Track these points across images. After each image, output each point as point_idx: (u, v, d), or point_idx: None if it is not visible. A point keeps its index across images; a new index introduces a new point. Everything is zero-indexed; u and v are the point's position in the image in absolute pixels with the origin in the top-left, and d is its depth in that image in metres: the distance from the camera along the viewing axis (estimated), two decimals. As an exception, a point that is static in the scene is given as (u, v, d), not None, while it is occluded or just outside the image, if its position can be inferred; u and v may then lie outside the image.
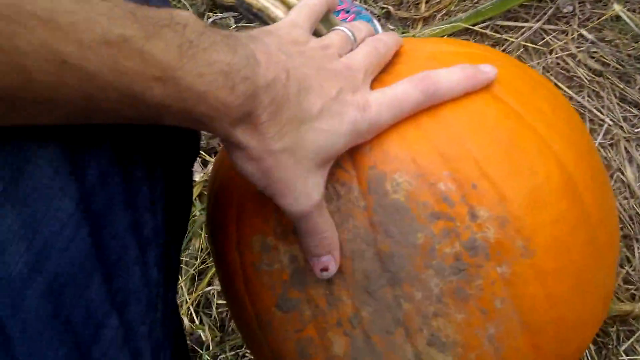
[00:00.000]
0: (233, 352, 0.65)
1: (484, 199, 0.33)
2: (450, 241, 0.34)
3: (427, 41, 0.47)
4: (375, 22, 0.99)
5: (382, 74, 0.38)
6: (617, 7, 0.70)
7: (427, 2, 0.98)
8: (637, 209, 0.60)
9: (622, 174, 0.64)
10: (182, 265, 0.73)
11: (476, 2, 0.90)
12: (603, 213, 0.38)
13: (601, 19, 0.76)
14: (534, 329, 0.35)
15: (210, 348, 0.65)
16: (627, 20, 0.67)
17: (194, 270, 0.72)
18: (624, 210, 0.61)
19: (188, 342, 0.67)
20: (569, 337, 0.37)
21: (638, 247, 0.58)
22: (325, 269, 0.34)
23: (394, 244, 0.34)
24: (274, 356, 0.41)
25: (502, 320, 0.34)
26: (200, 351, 0.65)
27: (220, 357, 0.64)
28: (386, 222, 0.34)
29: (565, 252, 0.35)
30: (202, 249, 0.74)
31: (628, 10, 0.76)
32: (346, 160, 0.35)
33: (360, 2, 1.05)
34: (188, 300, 0.69)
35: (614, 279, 0.42)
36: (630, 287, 0.56)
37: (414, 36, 0.90)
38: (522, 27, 0.81)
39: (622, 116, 0.68)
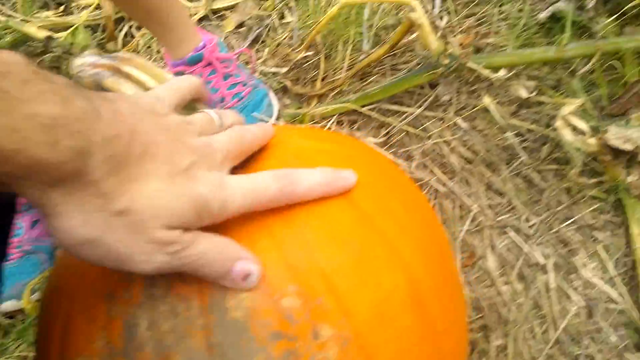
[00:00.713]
0: None
1: (328, 316, 0.32)
2: (290, 364, 0.32)
3: (299, 134, 0.46)
4: (272, 95, 1.00)
5: (247, 162, 0.37)
6: (486, 100, 0.75)
7: (322, 80, 1.01)
8: (496, 299, 0.63)
9: (485, 262, 0.67)
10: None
11: (366, 84, 0.94)
12: (450, 320, 0.38)
13: (474, 109, 0.81)
14: None
15: None
16: (494, 112, 0.72)
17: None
18: (484, 299, 0.63)
19: None
20: None
21: (495, 338, 0.60)
22: (248, 275, 0.32)
23: (230, 369, 0.32)
24: None
25: None
26: None
27: None
28: (224, 344, 0.31)
29: (410, 366, 0.34)
30: None
31: (498, 102, 0.82)
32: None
33: (259, 76, 1.06)
34: None
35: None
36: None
37: (305, 114, 0.92)
38: (405, 111, 0.85)
39: (487, 204, 0.72)
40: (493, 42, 0.93)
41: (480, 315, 0.62)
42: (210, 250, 0.31)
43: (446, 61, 0.78)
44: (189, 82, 0.37)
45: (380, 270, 0.34)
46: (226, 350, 0.32)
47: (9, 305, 0.75)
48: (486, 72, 0.79)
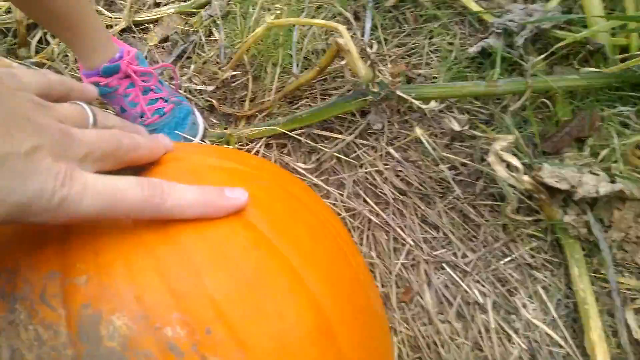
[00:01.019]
0: None
1: (218, 348, 0.27)
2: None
3: (201, 152, 0.42)
4: (198, 114, 0.93)
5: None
6: (418, 131, 0.73)
7: (251, 101, 0.95)
8: (434, 337, 0.59)
9: (422, 298, 0.63)
10: None
11: (295, 108, 0.90)
12: (364, 354, 0.34)
13: (407, 139, 0.79)
14: None
15: None
16: (426, 144, 0.70)
17: None
18: (422, 337, 0.59)
19: None
20: None
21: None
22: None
23: (104, 404, 0.26)
24: None
25: None
26: None
27: None
28: None
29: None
30: None
31: (431, 134, 0.80)
32: (54, 293, 0.27)
33: (184, 93, 0.99)
34: None
35: None
36: None
37: (231, 134, 0.85)
38: (336, 138, 0.81)
39: (422, 237, 0.68)
40: (424, 74, 0.92)
41: (418, 355, 0.58)
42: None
43: (375, 89, 0.75)
44: (62, 78, 0.33)
45: (281, 299, 0.30)
46: None
47: None
48: (417, 103, 0.77)
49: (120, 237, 0.29)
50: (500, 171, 0.66)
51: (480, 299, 0.62)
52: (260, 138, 0.86)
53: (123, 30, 1.17)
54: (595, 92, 0.80)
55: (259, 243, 0.31)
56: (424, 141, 0.70)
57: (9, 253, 0.29)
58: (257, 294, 0.29)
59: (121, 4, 1.25)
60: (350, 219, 0.72)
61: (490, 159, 0.68)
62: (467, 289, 0.63)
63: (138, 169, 0.35)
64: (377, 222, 0.70)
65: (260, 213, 0.33)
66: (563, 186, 0.65)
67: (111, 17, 1.20)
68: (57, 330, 0.27)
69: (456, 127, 0.78)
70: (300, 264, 0.32)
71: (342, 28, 0.76)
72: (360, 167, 0.77)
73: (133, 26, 1.17)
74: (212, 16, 1.13)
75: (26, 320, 0.27)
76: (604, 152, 0.70)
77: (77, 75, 1.08)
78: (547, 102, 0.79)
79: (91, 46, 0.81)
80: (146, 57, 1.09)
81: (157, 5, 1.23)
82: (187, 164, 0.37)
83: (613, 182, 0.65)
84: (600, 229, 0.64)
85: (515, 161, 0.66)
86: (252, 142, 0.85)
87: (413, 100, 0.75)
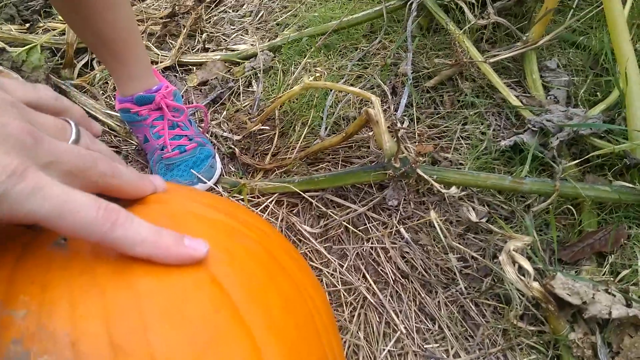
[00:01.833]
0: None
1: None
2: None
3: (190, 197, 0.41)
4: (217, 159, 0.95)
5: None
6: (432, 215, 0.71)
7: (273, 155, 0.97)
8: None
9: (403, 392, 0.59)
10: None
11: (315, 170, 0.90)
12: None
13: (420, 221, 0.77)
14: None
15: None
16: (439, 230, 0.68)
17: None
18: None
19: None
20: None
21: None
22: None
23: None
24: None
25: None
26: None
27: None
28: None
29: None
30: None
31: (446, 220, 0.79)
32: None
33: (210, 136, 1.02)
34: None
35: None
36: None
37: (244, 185, 0.86)
38: (349, 207, 0.80)
39: (416, 327, 0.66)
40: (451, 158, 0.91)
41: None
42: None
43: (397, 164, 0.75)
44: (59, 96, 0.33)
45: None
46: None
47: None
48: (437, 186, 0.76)
49: (75, 272, 0.28)
50: (510, 273, 0.64)
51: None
52: (273, 193, 0.86)
53: (166, 68, 1.22)
54: (625, 208, 0.78)
55: (221, 305, 0.30)
56: (437, 226, 0.68)
57: None
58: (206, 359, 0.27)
59: (172, 43, 1.31)
60: (345, 293, 0.70)
61: (502, 257, 0.65)
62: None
63: (124, 204, 0.35)
64: (372, 301, 0.68)
65: (232, 272, 0.32)
66: (574, 300, 0.62)
67: (158, 54, 1.26)
68: None
69: (473, 217, 0.76)
70: (263, 335, 0.30)
71: (374, 99, 0.78)
72: (367, 240, 0.76)
73: (177, 66, 1.22)
74: (254, 68, 1.17)
75: None
76: (624, 272, 0.67)
77: (112, 103, 1.13)
78: (573, 209, 0.77)
79: (132, 74, 0.86)
80: (182, 97, 1.13)
81: (205, 50, 1.29)
82: (169, 208, 0.36)
83: (629, 305, 0.61)
84: (607, 354, 0.60)
85: (527, 265, 0.64)
86: (264, 196, 0.86)
87: (433, 183, 0.74)
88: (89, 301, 0.27)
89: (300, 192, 0.82)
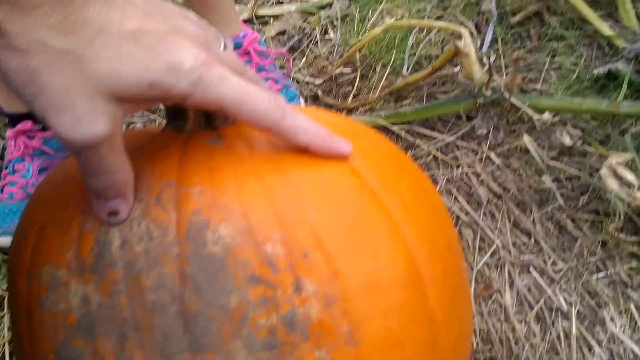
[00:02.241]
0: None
1: (313, 272, 0.30)
2: (266, 311, 0.29)
3: (313, 111, 0.45)
4: (302, 101, 0.99)
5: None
6: (526, 139, 0.73)
7: (355, 97, 1.00)
8: (509, 334, 0.59)
9: (502, 297, 0.63)
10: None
11: (399, 106, 0.93)
12: (451, 316, 0.36)
13: (511, 145, 0.79)
14: None
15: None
16: (533, 151, 0.70)
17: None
18: (496, 332, 0.59)
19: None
20: None
21: (503, 372, 0.55)
22: (115, 213, 0.30)
23: (202, 304, 0.29)
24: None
25: (311, 416, 0.29)
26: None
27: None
28: (198, 277, 0.30)
29: (397, 348, 0.31)
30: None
31: (537, 146, 0.80)
32: (169, 198, 0.31)
33: (292, 81, 1.06)
34: (6, 336, 0.60)
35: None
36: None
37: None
38: (437, 137, 0.83)
39: (512, 241, 0.68)
40: (540, 89, 0.91)
41: (489, 347, 0.58)
42: (115, 163, 0.29)
43: (488, 92, 0.77)
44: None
45: (377, 241, 0.32)
46: (200, 283, 0.30)
47: (5, 241, 0.76)
48: (530, 112, 0.77)
49: (235, 160, 0.33)
50: (612, 184, 0.65)
51: (565, 307, 0.61)
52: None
53: (244, 21, 1.27)
54: None
55: (363, 190, 0.34)
56: (531, 148, 0.69)
57: (132, 159, 0.31)
58: (356, 232, 0.31)
59: (248, -1, 1.37)
60: (439, 216, 0.73)
61: (603, 171, 0.66)
62: (552, 295, 0.62)
63: None
64: (465, 220, 0.71)
65: (367, 165, 0.35)
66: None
67: (235, 9, 1.31)
68: (166, 230, 0.30)
69: (567, 141, 0.77)
70: (401, 217, 0.34)
71: (464, 30, 0.79)
72: (457, 167, 0.78)
73: (254, 18, 1.27)
74: (330, 17, 1.20)
75: (139, 218, 0.31)
76: None
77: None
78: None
79: (219, 21, 0.91)
80: (263, 47, 1.18)
81: (280, 3, 1.33)
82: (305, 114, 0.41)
83: None
84: None
85: (630, 176, 0.64)
86: (351, 132, 0.89)
87: (526, 109, 0.75)
88: (251, 183, 0.32)
89: (388, 126, 0.85)
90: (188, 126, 0.37)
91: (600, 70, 0.91)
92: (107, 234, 0.31)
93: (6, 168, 0.83)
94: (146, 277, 0.30)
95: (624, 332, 0.58)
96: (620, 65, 0.90)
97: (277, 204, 0.31)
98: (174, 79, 0.26)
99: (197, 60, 0.27)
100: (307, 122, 0.32)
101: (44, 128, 0.82)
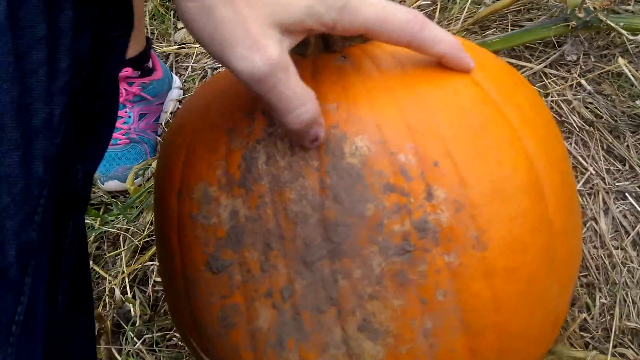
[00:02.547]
0: (160, 334, 0.62)
1: (443, 179, 0.32)
2: (400, 218, 0.32)
3: None
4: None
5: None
6: (621, 61, 0.71)
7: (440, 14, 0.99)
8: (605, 260, 0.60)
9: (596, 223, 0.63)
10: (128, 235, 0.71)
11: (484, 37, 0.92)
12: (567, 226, 0.38)
13: (603, 71, 0.77)
14: (474, 331, 0.33)
15: (137, 325, 0.62)
16: (630, 76, 0.68)
17: (139, 241, 0.70)
18: (592, 258, 0.61)
19: (115, 315, 0.64)
20: (510, 348, 0.35)
21: (600, 297, 0.57)
22: (316, 139, 0.32)
23: (341, 212, 0.33)
24: (195, 323, 0.39)
25: (441, 314, 0.33)
26: (125, 327, 0.62)
27: (145, 336, 0.61)
28: (337, 187, 0.33)
29: (520, 252, 0.34)
30: (151, 223, 0.72)
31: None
32: None
33: None
34: (125, 271, 0.67)
35: (567, 302, 0.40)
36: (585, 334, 0.55)
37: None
38: (524, 66, 0.82)
39: (605, 168, 0.68)
40: (632, 10, 0.87)
41: (585, 273, 0.59)
42: (301, 93, 0.30)
43: (582, 15, 0.75)
44: None
45: (501, 149, 0.34)
46: (338, 192, 0.33)
47: (112, 185, 0.82)
48: (625, 33, 0.74)
49: (365, 77, 0.35)
50: None
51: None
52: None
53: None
54: None
55: (485, 100, 0.35)
56: (626, 70, 0.68)
57: None
58: (481, 140, 0.34)
59: None
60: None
61: None
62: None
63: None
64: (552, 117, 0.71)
65: (486, 77, 0.37)
66: None
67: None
68: None
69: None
70: (520, 127, 0.36)
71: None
72: (546, 96, 0.78)
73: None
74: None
75: (283, 133, 0.34)
76: None
77: None
78: None
79: None
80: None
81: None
82: None
83: None
84: None
85: None
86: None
87: (621, 30, 0.73)
88: (383, 97, 0.34)
89: (472, 56, 0.85)
90: (309, 50, 0.39)
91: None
92: (253, 150, 0.34)
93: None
94: (289, 189, 0.33)
95: None
96: None
97: (408, 116, 0.33)
98: (324, 8, 0.28)
99: None
100: (443, 33, 0.33)
101: (143, 74, 0.87)
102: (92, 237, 0.74)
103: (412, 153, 0.33)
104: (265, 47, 0.27)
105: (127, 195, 0.80)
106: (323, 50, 0.40)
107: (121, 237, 0.73)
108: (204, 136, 0.37)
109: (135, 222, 0.73)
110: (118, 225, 0.74)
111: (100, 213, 0.79)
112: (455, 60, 0.35)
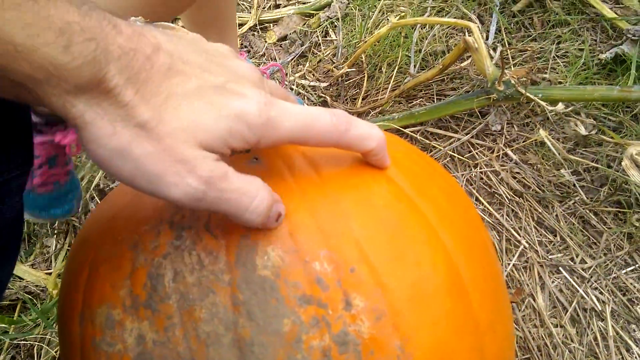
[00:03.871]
0: None
1: (361, 286, 0.31)
2: (319, 332, 0.31)
3: None
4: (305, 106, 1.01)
5: None
6: (542, 133, 0.75)
7: (363, 99, 1.02)
8: (546, 339, 0.60)
9: (534, 300, 0.65)
10: (44, 345, 0.66)
11: (410, 107, 0.95)
12: (494, 320, 0.37)
13: (526, 141, 0.81)
14: None
15: None
16: (550, 145, 0.72)
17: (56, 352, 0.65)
18: (533, 339, 0.61)
19: None
20: None
21: (542, 379, 0.57)
22: (279, 217, 0.32)
23: (256, 330, 0.31)
24: None
25: None
26: None
27: None
28: (250, 303, 0.31)
29: (447, 358, 0.33)
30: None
31: (552, 138, 0.82)
32: (217, 225, 0.33)
33: (297, 87, 1.09)
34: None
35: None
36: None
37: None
38: (451, 137, 0.85)
39: (537, 240, 0.70)
40: (549, 78, 0.93)
41: (528, 356, 0.60)
42: (247, 189, 0.30)
43: (501, 87, 0.79)
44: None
45: (419, 249, 0.34)
46: (252, 308, 0.31)
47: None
48: (544, 104, 0.79)
49: (277, 180, 0.35)
50: (635, 175, 0.67)
51: (598, 306, 0.63)
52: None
53: (250, 29, 1.29)
54: None
55: (400, 197, 0.35)
56: (548, 142, 0.72)
57: None
58: (398, 241, 0.33)
59: (242, 4, 1.39)
60: (460, 217, 0.75)
61: (624, 162, 0.68)
62: (584, 295, 0.64)
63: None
64: (489, 221, 0.73)
65: (401, 172, 0.37)
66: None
67: (238, 17, 1.33)
68: (217, 257, 0.32)
69: (583, 131, 0.79)
70: (437, 222, 0.36)
71: (473, 25, 0.81)
72: (475, 167, 0.81)
73: (257, 24, 1.29)
74: (330, 18, 1.22)
75: (190, 246, 0.33)
76: None
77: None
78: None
79: (223, 41, 0.92)
80: (264, 55, 1.20)
81: (277, 6, 1.35)
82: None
83: None
84: None
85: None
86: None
87: (539, 102, 0.77)
88: (295, 201, 0.33)
89: (401, 128, 0.87)
90: None
91: (606, 54, 0.93)
92: (159, 267, 0.33)
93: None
94: (199, 308, 0.31)
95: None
96: (626, 48, 0.92)
97: (321, 221, 0.33)
98: (245, 127, 0.28)
99: (259, 104, 0.29)
100: (369, 128, 0.33)
101: None
102: (6, 345, 0.68)
103: (327, 260, 0.32)
104: (194, 168, 0.27)
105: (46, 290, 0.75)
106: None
107: (36, 348, 0.68)
108: (108, 252, 0.35)
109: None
110: (36, 332, 0.68)
111: (16, 314, 0.74)
112: (379, 156, 0.35)
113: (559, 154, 0.76)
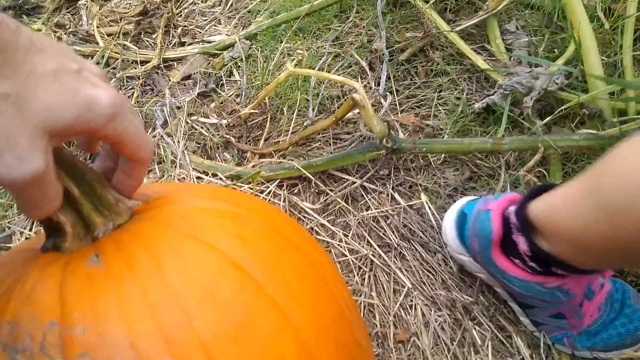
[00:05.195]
0: None
1: None
2: None
3: (194, 193, 0.45)
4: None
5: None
6: (423, 197, 0.79)
7: (266, 140, 1.01)
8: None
9: (418, 339, 0.67)
10: None
11: (309, 150, 0.96)
12: None
13: (410, 188, 0.84)
14: None
15: None
16: (429, 213, 0.75)
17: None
18: (417, 378, 0.63)
19: None
20: None
21: None
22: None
23: None
24: None
25: None
26: None
27: None
28: None
29: None
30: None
31: (434, 183, 0.86)
32: (53, 343, 0.29)
33: (200, 128, 1.06)
34: None
35: None
36: None
37: (257, 173, 0.91)
38: (347, 180, 0.87)
39: (422, 280, 0.73)
40: (432, 125, 0.98)
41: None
42: (53, 194, 0.31)
43: (389, 144, 0.81)
44: None
45: (268, 338, 0.33)
46: None
47: None
48: (429, 157, 0.83)
49: (115, 282, 0.32)
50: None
51: (479, 341, 0.67)
52: (276, 179, 0.91)
53: (155, 67, 1.24)
54: (588, 157, 0.86)
55: (246, 285, 0.34)
56: (427, 208, 0.75)
57: (9, 301, 0.31)
58: (244, 335, 0.32)
59: (147, 41, 1.33)
60: (354, 260, 0.77)
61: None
62: (466, 329, 0.68)
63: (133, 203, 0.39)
64: (379, 263, 0.75)
65: (247, 254, 0.36)
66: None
67: (136, 54, 1.28)
68: None
69: (460, 178, 0.84)
70: (286, 303, 0.35)
71: (358, 86, 0.83)
72: (367, 209, 0.83)
73: (161, 62, 1.24)
74: (234, 58, 1.21)
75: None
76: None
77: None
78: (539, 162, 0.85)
79: None
80: (168, 92, 1.16)
81: (182, 44, 1.31)
82: (179, 208, 0.40)
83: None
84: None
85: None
86: (268, 182, 0.91)
87: (423, 154, 0.81)
88: (135, 306, 0.31)
89: (305, 172, 0.87)
90: (67, 243, 0.36)
91: (479, 104, 0.99)
92: None
93: None
94: None
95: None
96: (497, 99, 0.98)
97: (164, 325, 0.31)
98: (92, 114, 0.30)
99: (110, 97, 0.30)
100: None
101: None
102: None
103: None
104: (32, 159, 0.27)
105: None
106: (83, 236, 0.37)
107: None
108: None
109: None
110: None
111: None
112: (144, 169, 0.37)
113: (432, 214, 0.80)
